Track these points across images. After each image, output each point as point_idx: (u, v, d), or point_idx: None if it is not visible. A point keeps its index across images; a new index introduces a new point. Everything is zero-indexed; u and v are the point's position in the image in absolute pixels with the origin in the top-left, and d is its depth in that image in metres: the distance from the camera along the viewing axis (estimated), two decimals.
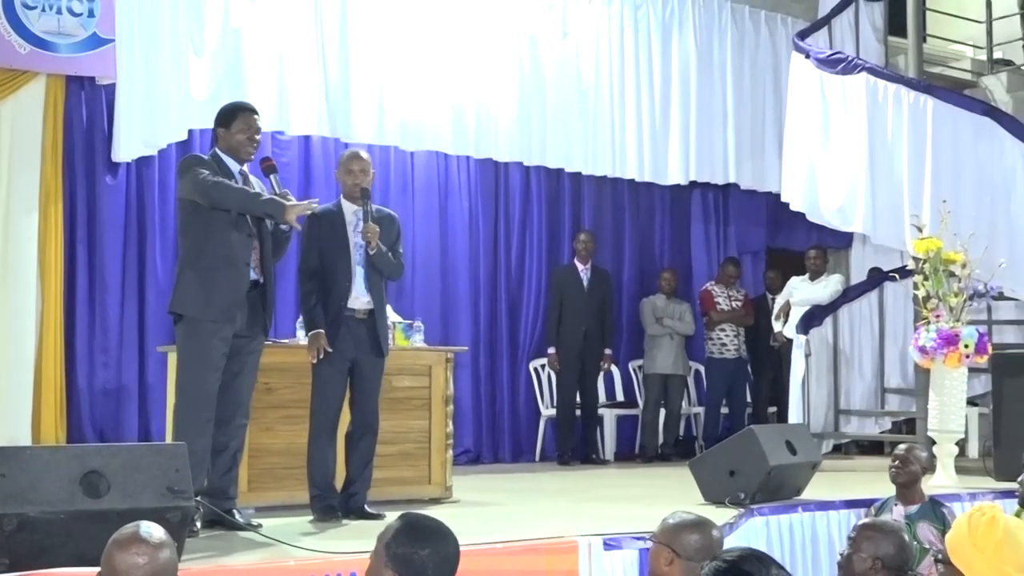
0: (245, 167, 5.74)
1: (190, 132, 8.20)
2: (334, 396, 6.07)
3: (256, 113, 5.81)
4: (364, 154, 6.29)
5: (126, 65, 7.76)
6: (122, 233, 8.44)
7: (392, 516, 3.36)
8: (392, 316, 7.22)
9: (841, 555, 4.12)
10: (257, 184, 5.77)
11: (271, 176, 5.73)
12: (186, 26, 8.00)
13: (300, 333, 6.66)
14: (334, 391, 6.06)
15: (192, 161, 5.65)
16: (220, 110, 5.85)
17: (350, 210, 6.16)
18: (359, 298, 6.08)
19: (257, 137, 5.77)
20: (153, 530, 3.10)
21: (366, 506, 6.08)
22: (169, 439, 5.83)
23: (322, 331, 5.98)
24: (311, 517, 5.95)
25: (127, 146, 7.83)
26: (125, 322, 8.40)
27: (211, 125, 8.07)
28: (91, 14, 8.01)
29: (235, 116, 5.73)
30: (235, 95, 7.95)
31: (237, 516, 5.55)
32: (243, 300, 5.57)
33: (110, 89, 7.97)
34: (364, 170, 6.16)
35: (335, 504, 6.01)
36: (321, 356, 5.97)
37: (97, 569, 3.07)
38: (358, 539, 5.14)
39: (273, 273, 5.80)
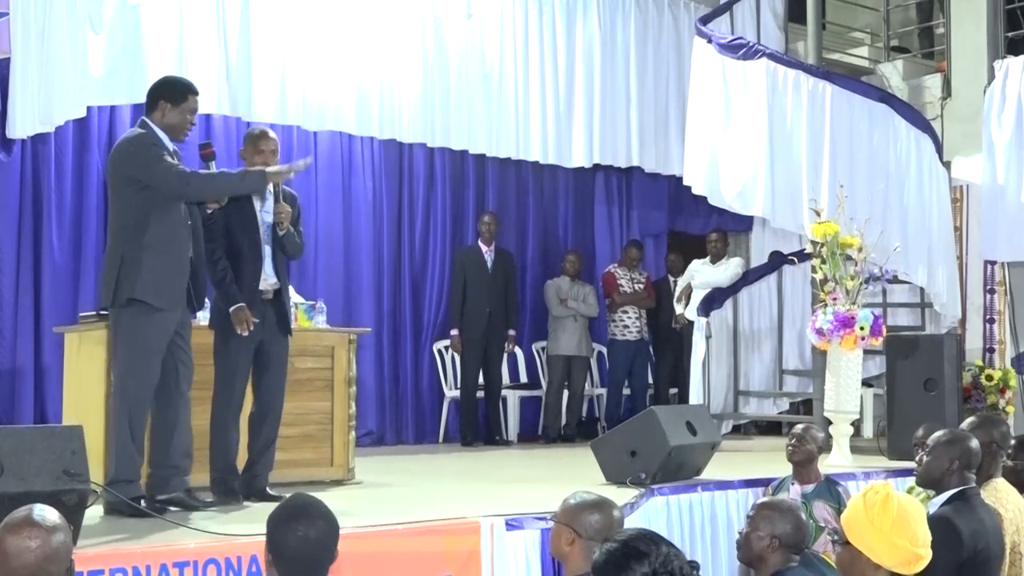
0: (175, 146, 5.59)
1: (88, 109, 8.04)
2: (240, 378, 5.99)
3: (199, 95, 5.69)
4: (273, 133, 6.24)
5: (21, 40, 7.56)
6: (16, 212, 8.25)
7: None
8: (294, 297, 7.17)
9: (740, 534, 4.20)
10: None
11: (210, 163, 5.63)
12: (83, 1, 7.82)
13: (201, 315, 6.58)
14: (240, 373, 5.98)
15: (147, 144, 5.40)
16: (168, 83, 5.69)
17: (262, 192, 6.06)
18: (267, 279, 6.02)
19: (195, 120, 5.67)
20: (47, 513, 3.03)
21: (268, 488, 6.03)
22: (102, 426, 5.81)
23: (244, 304, 5.86)
24: (211, 499, 5.89)
25: (22, 122, 7.63)
26: (20, 303, 8.22)
27: (109, 102, 8.08)
28: None
29: (185, 96, 5.55)
30: (133, 72, 7.84)
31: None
32: (186, 287, 5.50)
33: (3, 64, 7.75)
34: (274, 150, 6.09)
35: (236, 486, 5.95)
36: (251, 329, 5.85)
37: None
38: (259, 522, 5.10)
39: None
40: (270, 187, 5.99)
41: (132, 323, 5.39)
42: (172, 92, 5.57)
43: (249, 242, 5.98)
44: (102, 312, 6.52)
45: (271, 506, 5.62)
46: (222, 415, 5.97)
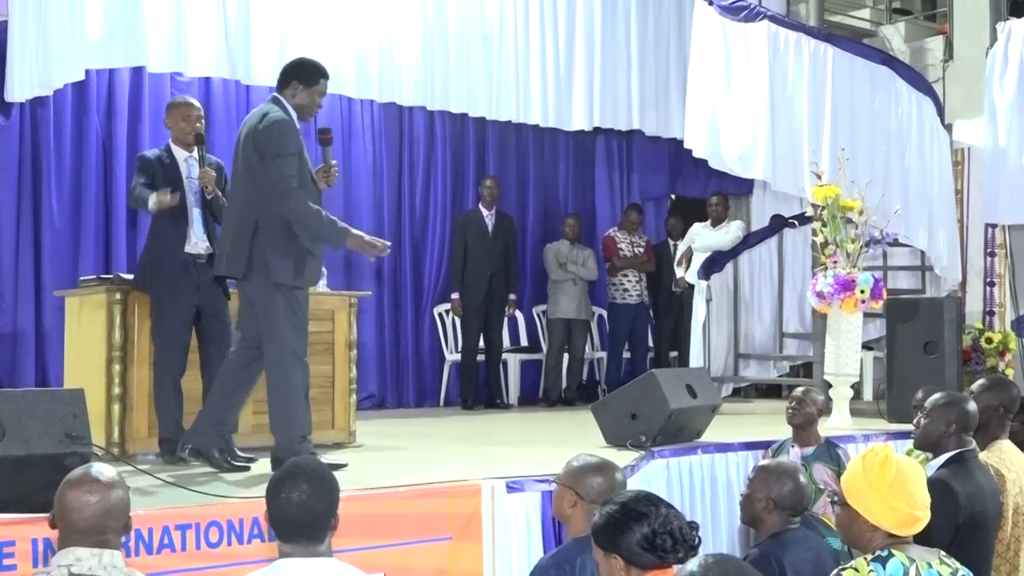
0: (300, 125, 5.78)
1: (87, 72, 7.99)
2: (180, 343, 6.00)
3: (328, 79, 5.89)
4: (196, 102, 6.35)
5: (18, 2, 7.51)
6: (16, 176, 8.23)
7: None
8: None
9: (742, 495, 4.24)
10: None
11: (327, 148, 5.83)
12: None
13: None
14: (180, 338, 5.99)
15: (286, 139, 5.50)
16: (303, 64, 5.86)
17: (182, 156, 6.14)
18: (198, 243, 6.08)
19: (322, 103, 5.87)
20: (104, 470, 3.18)
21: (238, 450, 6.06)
22: (103, 389, 5.95)
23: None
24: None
25: (20, 86, 7.60)
26: (20, 267, 8.21)
27: (107, 65, 8.04)
28: None
29: (317, 79, 5.75)
30: (132, 35, 7.80)
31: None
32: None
33: (1, 27, 7.71)
34: (200, 117, 6.22)
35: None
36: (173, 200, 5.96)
37: None
38: (260, 484, 5.11)
39: None
40: (194, 152, 6.12)
41: (287, 303, 5.53)
42: (306, 74, 5.75)
43: (176, 207, 6.03)
44: (103, 276, 6.56)
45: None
46: (164, 379, 5.96)
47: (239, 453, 6.00)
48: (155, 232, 6.08)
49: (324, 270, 6.71)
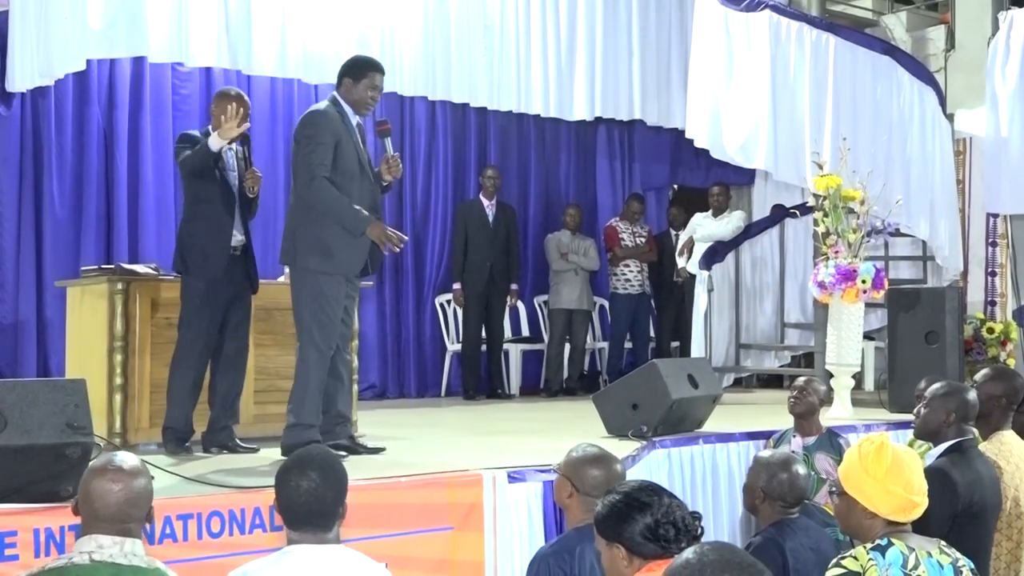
0: (358, 119, 5.88)
1: (88, 62, 7.98)
2: (211, 335, 6.00)
3: (384, 73, 6.00)
4: (247, 99, 6.30)
5: None
6: (17, 166, 8.23)
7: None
8: None
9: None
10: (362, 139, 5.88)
11: (386, 139, 5.97)
12: None
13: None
14: (210, 328, 5.99)
15: (316, 127, 5.66)
16: (351, 60, 6.04)
17: (224, 149, 6.07)
18: (236, 235, 6.08)
19: (379, 96, 5.96)
20: (127, 459, 3.20)
21: (239, 440, 6.08)
22: (104, 379, 5.97)
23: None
24: (201, 451, 5.95)
25: (21, 76, 7.60)
26: (22, 256, 8.22)
27: (108, 55, 8.04)
28: None
29: (365, 73, 5.89)
30: (133, 25, 7.78)
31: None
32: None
33: (2, 17, 7.70)
34: (247, 114, 6.16)
35: (186, 438, 5.99)
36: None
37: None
38: (262, 474, 5.13)
39: None
40: (233, 147, 6.11)
41: (314, 283, 5.62)
42: (355, 69, 5.93)
43: (222, 199, 6.05)
44: (104, 267, 6.57)
45: (277, 457, 5.78)
46: (184, 370, 5.95)
47: (240, 443, 6.04)
48: (201, 220, 6.02)
49: None
